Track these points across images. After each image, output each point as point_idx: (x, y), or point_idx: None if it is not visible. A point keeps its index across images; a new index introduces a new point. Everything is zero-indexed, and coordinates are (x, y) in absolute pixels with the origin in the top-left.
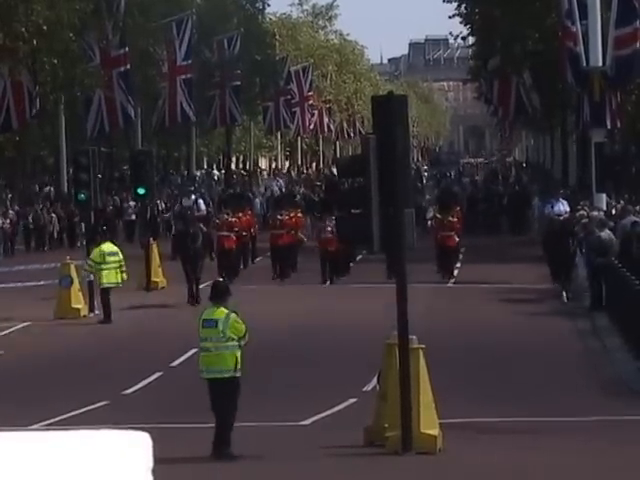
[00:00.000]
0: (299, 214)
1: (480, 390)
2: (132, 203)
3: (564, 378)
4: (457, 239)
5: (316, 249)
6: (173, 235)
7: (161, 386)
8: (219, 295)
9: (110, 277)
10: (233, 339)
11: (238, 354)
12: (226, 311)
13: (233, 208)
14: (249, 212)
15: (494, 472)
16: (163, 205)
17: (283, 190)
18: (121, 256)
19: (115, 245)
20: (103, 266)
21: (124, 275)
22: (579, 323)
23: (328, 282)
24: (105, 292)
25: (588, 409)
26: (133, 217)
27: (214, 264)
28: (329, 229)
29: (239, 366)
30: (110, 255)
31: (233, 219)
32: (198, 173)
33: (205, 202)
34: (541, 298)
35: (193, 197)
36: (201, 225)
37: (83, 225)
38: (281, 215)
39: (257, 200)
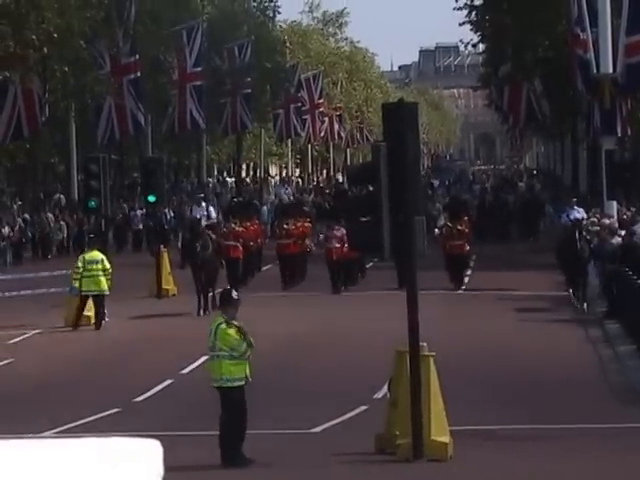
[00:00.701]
0: (306, 223)
1: (490, 397)
2: (139, 212)
3: (575, 385)
4: (467, 247)
5: (324, 258)
6: (182, 244)
7: (172, 393)
8: (220, 304)
9: (89, 285)
10: (223, 349)
11: (226, 364)
12: (219, 321)
13: (240, 217)
14: (256, 221)
15: (505, 479)
16: (171, 213)
17: (291, 198)
18: (106, 265)
19: (102, 253)
20: (84, 273)
21: (109, 283)
22: (590, 330)
23: (337, 292)
24: (81, 298)
25: (599, 416)
26: (140, 226)
27: (224, 273)
28: (336, 238)
29: (225, 376)
30: (90, 263)
31: (240, 228)
32: (211, 180)
33: (215, 210)
34: (552, 305)
35: (204, 205)
36: (210, 233)
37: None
38: (287, 224)
39: (264, 208)
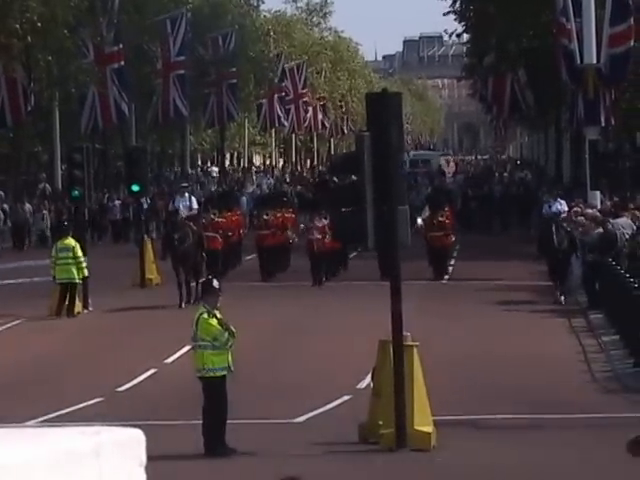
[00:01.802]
0: (287, 214)
1: (474, 387)
2: (117, 202)
3: (559, 375)
4: (449, 239)
5: (305, 249)
6: (163, 236)
7: (155, 383)
8: (201, 293)
9: (61, 273)
10: (204, 339)
11: (207, 354)
12: (201, 311)
13: (220, 207)
14: (238, 212)
15: (488, 469)
16: (147, 202)
17: (272, 188)
18: (78, 253)
19: (77, 241)
20: (57, 262)
21: (84, 271)
22: (574, 320)
23: (318, 284)
24: (61, 287)
25: (583, 406)
26: (118, 216)
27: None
28: (318, 229)
29: (207, 366)
30: (61, 251)
31: (220, 219)
32: (193, 170)
33: (197, 200)
34: (537, 295)
35: (187, 195)
36: (191, 224)
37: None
38: (267, 215)
39: (243, 199)
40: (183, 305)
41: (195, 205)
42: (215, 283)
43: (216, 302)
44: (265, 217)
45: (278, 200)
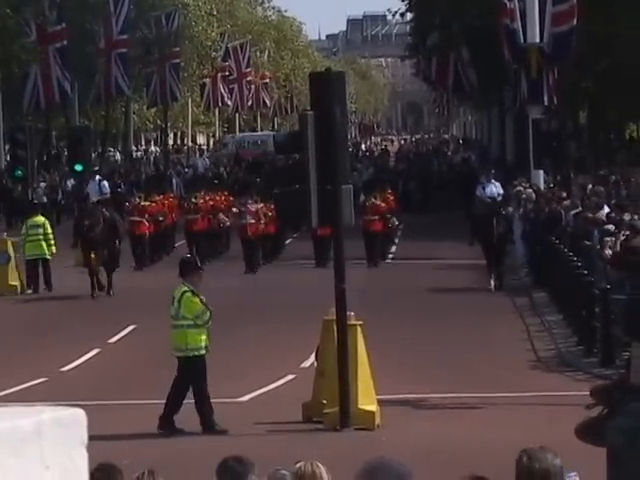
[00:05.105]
0: (219, 196)
1: (418, 366)
2: (42, 184)
3: (502, 354)
4: (384, 224)
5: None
6: (74, 222)
7: (99, 363)
8: (180, 272)
9: (30, 249)
10: (187, 318)
11: (189, 333)
12: (183, 289)
13: (150, 191)
14: (171, 195)
15: (432, 447)
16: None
17: (207, 169)
18: (48, 229)
19: (45, 218)
20: (27, 238)
21: (52, 248)
22: (518, 299)
23: (252, 270)
24: (29, 264)
25: (527, 385)
26: (44, 199)
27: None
28: (251, 213)
29: (189, 346)
30: (32, 228)
31: (147, 203)
32: (134, 151)
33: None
34: (479, 275)
35: (97, 179)
36: (104, 210)
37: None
38: (195, 198)
39: (174, 181)
40: (95, 294)
41: (106, 189)
42: (191, 260)
43: (198, 280)
44: (194, 200)
45: (210, 182)
